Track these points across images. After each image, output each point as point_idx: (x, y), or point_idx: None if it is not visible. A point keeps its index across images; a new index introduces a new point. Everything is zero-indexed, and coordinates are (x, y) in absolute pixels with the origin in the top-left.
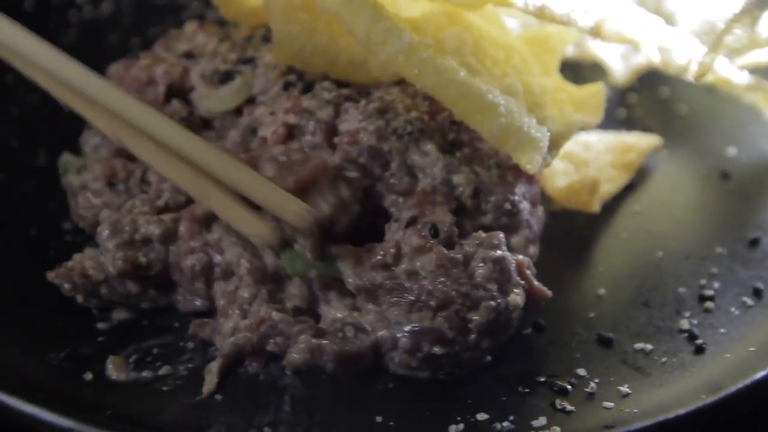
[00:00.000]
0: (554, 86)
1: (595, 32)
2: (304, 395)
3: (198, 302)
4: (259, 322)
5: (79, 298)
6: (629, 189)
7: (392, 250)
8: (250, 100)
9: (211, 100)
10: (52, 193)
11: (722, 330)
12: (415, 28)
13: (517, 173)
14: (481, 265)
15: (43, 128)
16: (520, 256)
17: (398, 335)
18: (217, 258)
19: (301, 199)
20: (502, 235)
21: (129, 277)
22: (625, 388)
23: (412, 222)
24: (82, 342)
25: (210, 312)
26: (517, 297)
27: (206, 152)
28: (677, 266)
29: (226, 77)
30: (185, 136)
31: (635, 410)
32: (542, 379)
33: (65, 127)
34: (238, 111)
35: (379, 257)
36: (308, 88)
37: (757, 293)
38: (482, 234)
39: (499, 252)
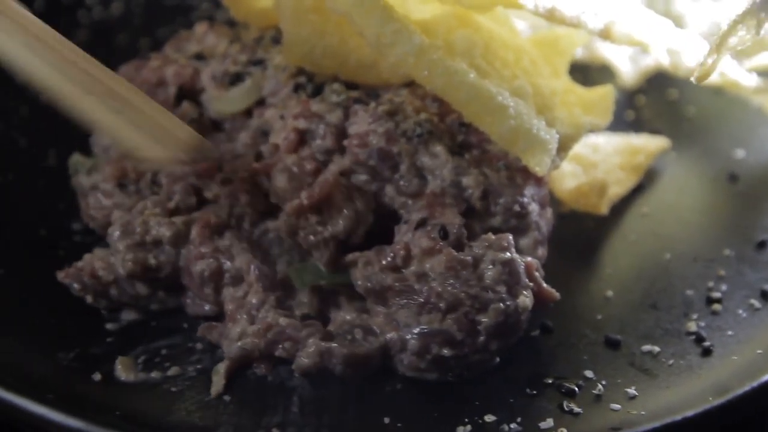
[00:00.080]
0: (563, 88)
1: (605, 34)
2: (312, 396)
3: (207, 307)
4: (266, 328)
5: (89, 299)
6: (637, 191)
7: (402, 252)
8: (260, 102)
9: (221, 102)
10: (61, 194)
11: (730, 332)
12: (425, 30)
13: (526, 175)
14: (491, 267)
15: (53, 128)
16: (529, 258)
17: (407, 337)
18: (227, 264)
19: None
20: (511, 237)
21: (138, 278)
22: (632, 390)
23: (421, 224)
24: (91, 342)
25: (218, 316)
26: (526, 299)
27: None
28: (685, 268)
29: (236, 79)
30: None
31: (642, 412)
32: (550, 381)
33: (75, 128)
34: (248, 113)
35: (389, 259)
36: (318, 90)
37: (764, 295)
38: (491, 236)
39: (508, 254)
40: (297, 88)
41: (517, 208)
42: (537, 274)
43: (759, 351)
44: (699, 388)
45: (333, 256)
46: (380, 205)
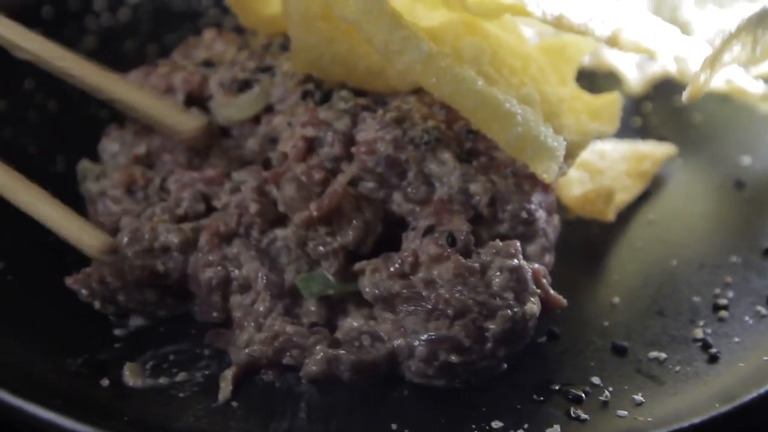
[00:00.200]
0: (571, 95)
1: (612, 41)
2: (319, 402)
3: (214, 314)
4: (274, 336)
5: (97, 305)
6: (644, 198)
7: (409, 259)
8: (268, 109)
9: (229, 109)
10: (70, 200)
11: (736, 339)
12: (433, 38)
13: (534, 182)
14: (498, 273)
15: (61, 135)
16: (537, 265)
17: (415, 344)
18: (235, 272)
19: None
20: (518, 243)
21: (147, 284)
22: (639, 397)
23: (429, 231)
24: (99, 348)
25: (226, 323)
26: (533, 306)
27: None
28: (691, 275)
29: (244, 86)
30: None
31: (649, 419)
32: (557, 388)
33: (83, 134)
34: (256, 119)
35: (397, 266)
36: (326, 97)
37: None
38: (499, 243)
39: (515, 261)
40: (305, 95)
41: (524, 215)
42: (544, 280)
43: (765, 358)
44: (706, 394)
45: (342, 266)
46: (388, 213)
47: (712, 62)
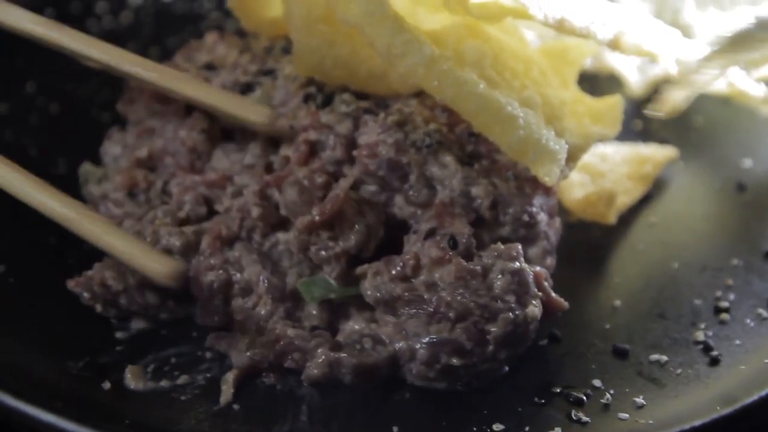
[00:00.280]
0: (572, 98)
1: (614, 45)
2: (321, 405)
3: (216, 318)
4: (275, 339)
5: (98, 308)
6: (645, 200)
7: (411, 262)
8: None
9: None
10: None
11: (737, 342)
12: (435, 41)
13: (535, 185)
14: (500, 276)
15: (63, 137)
16: (538, 268)
17: (416, 346)
18: (237, 276)
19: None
20: (520, 246)
21: (148, 287)
22: (640, 400)
23: (430, 234)
24: (100, 351)
25: (228, 326)
26: (535, 308)
27: None
28: (693, 278)
29: (246, 89)
30: None
31: (650, 421)
32: (558, 390)
33: (85, 137)
34: None
35: (398, 269)
36: (328, 100)
37: None
38: (500, 246)
39: (517, 264)
40: (307, 98)
41: (526, 217)
42: (546, 283)
43: (766, 360)
44: (707, 397)
45: (343, 270)
46: (389, 216)
47: (687, 82)
